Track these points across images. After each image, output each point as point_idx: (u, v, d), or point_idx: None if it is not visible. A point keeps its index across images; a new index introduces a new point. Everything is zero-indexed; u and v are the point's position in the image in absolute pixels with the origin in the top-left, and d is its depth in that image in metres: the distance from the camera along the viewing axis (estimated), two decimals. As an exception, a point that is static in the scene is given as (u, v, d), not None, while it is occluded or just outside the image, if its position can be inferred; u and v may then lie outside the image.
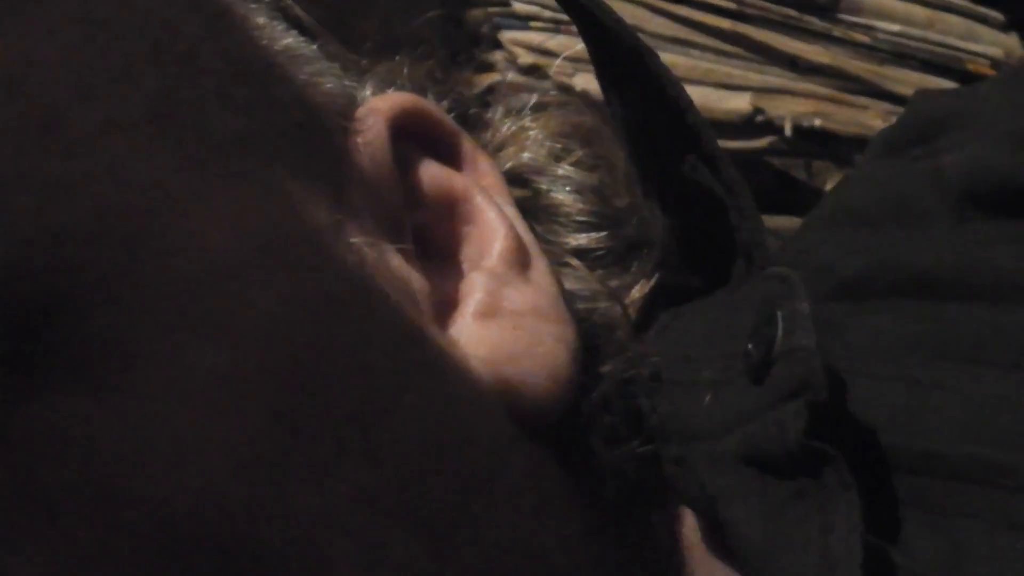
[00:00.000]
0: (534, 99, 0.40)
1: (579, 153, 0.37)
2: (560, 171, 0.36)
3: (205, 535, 0.22)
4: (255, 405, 0.23)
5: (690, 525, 0.30)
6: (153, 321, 0.23)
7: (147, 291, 0.23)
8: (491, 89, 0.67)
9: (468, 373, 0.27)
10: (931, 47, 0.90)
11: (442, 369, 0.27)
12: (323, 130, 0.29)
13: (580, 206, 0.36)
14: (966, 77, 0.91)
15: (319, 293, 0.25)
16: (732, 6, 0.78)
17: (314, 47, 0.32)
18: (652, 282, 0.35)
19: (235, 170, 0.25)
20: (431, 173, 0.31)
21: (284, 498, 0.23)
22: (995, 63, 0.93)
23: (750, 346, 0.29)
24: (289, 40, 0.31)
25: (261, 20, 0.30)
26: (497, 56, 0.68)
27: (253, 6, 0.31)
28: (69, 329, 0.22)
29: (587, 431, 0.30)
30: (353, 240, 0.27)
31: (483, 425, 0.27)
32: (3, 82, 0.24)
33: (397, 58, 0.35)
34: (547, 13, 0.68)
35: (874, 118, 0.87)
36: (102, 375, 0.22)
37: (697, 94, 0.39)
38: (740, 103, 0.77)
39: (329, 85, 0.30)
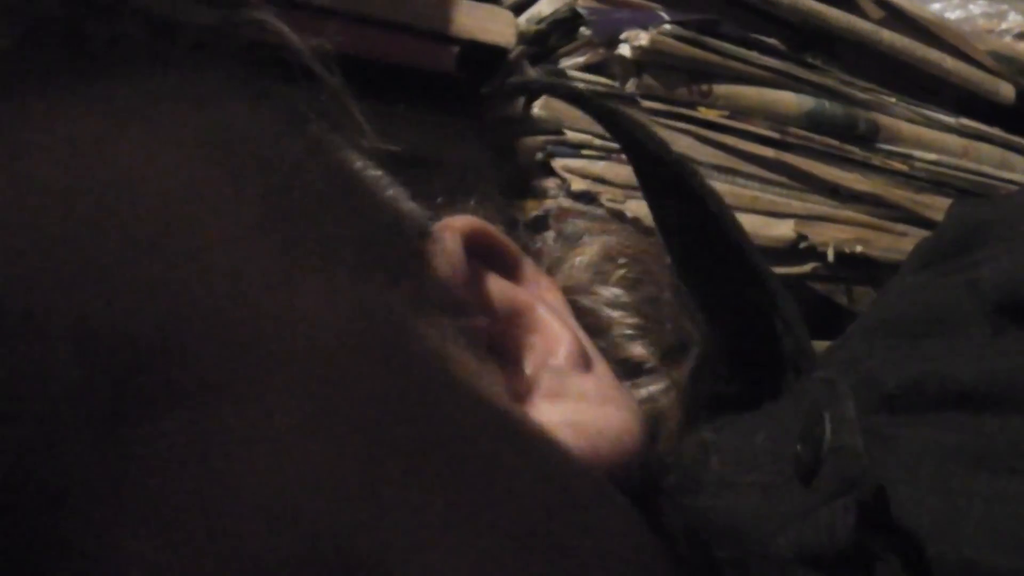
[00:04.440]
0: (582, 226, 0.42)
1: (622, 271, 0.39)
2: (605, 292, 0.38)
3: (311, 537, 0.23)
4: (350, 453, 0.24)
5: None
6: (252, 391, 0.23)
7: (243, 360, 0.24)
8: (545, 215, 0.69)
9: (554, 440, 0.29)
10: (966, 175, 0.92)
11: (531, 438, 0.28)
12: (405, 235, 0.31)
13: (629, 321, 0.38)
14: (1002, 206, 0.92)
15: (406, 370, 0.26)
16: (775, 136, 0.80)
17: (392, 178, 0.34)
18: (689, 385, 0.36)
19: (329, 260, 0.27)
20: (498, 286, 0.33)
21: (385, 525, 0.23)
22: (1030, 192, 0.94)
23: (799, 447, 0.30)
24: (372, 170, 0.33)
25: (347, 151, 0.33)
26: (550, 183, 0.70)
27: (339, 140, 0.33)
28: (174, 368, 0.23)
29: (663, 516, 0.31)
30: (434, 328, 0.28)
31: (577, 483, 0.28)
32: (122, 180, 0.25)
33: (471, 203, 0.38)
34: (598, 142, 0.70)
35: (912, 244, 0.88)
36: (204, 404, 0.23)
37: (742, 221, 0.40)
38: (784, 230, 0.78)
39: (408, 207, 0.33)
